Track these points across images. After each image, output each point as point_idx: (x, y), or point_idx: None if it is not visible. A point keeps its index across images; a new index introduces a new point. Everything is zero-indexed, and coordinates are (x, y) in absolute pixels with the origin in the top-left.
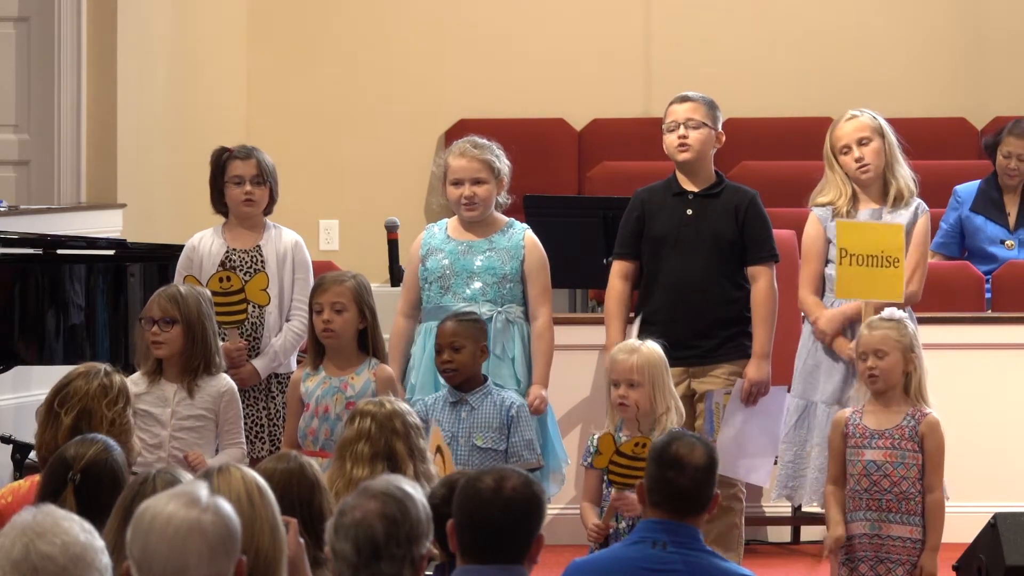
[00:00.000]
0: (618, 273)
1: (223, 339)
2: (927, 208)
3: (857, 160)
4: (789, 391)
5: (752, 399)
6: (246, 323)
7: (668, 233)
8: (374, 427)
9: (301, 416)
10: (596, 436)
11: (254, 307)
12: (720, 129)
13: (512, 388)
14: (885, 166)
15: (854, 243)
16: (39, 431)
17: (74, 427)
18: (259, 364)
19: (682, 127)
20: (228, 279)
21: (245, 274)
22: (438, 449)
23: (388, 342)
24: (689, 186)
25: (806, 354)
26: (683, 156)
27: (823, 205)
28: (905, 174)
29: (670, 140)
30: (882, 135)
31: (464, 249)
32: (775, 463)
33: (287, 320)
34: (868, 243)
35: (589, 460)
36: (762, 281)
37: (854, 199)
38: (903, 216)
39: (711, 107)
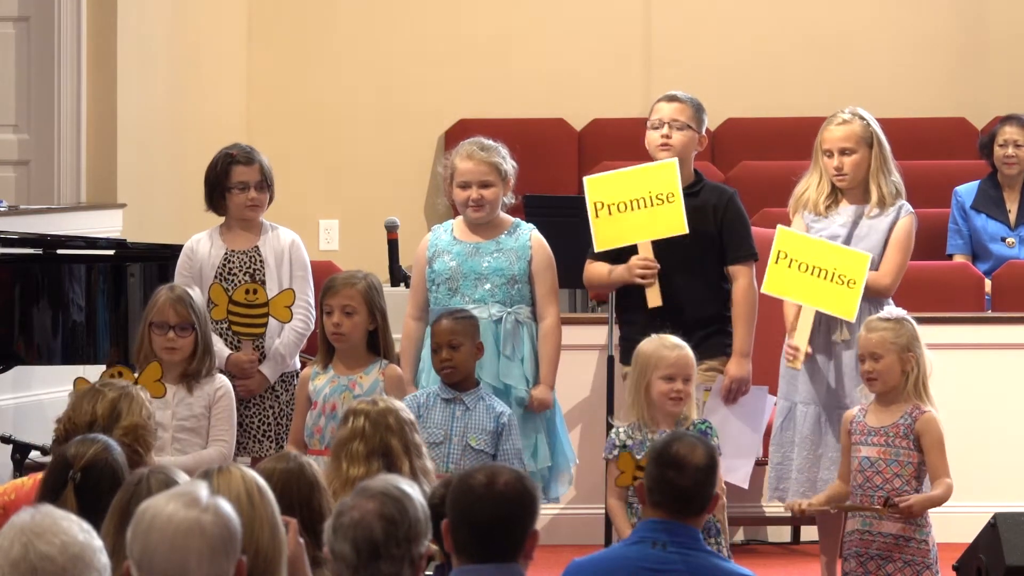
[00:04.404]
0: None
1: (236, 348)
2: (912, 209)
3: (836, 168)
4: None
5: (732, 397)
6: (264, 337)
7: None
8: (368, 425)
9: (308, 414)
10: (618, 428)
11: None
12: (704, 133)
13: (522, 388)
14: (868, 173)
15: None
16: (74, 403)
17: (115, 401)
18: (267, 370)
19: (666, 127)
20: (255, 292)
21: (245, 274)
22: None
23: (396, 344)
24: None
25: None
26: (663, 155)
27: (800, 196)
28: (892, 181)
29: (652, 138)
30: (869, 144)
31: (471, 251)
32: (765, 465)
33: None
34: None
35: (615, 453)
36: (742, 280)
37: (834, 196)
38: (884, 219)
39: (698, 109)
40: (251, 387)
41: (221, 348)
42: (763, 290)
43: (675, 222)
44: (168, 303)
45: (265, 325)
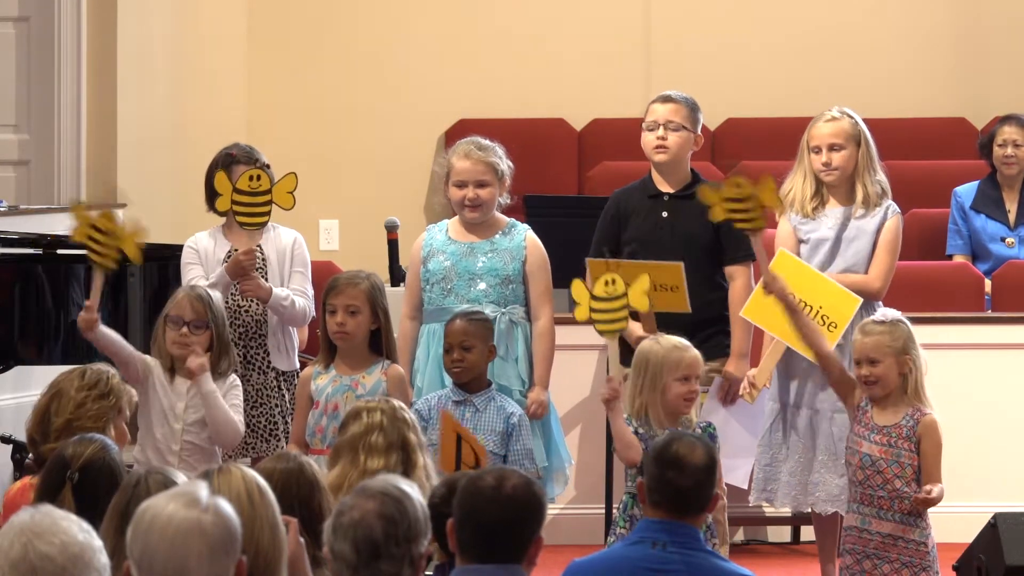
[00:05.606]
0: None
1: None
2: (898, 209)
3: (824, 164)
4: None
5: (731, 398)
6: (252, 318)
7: (644, 236)
8: (385, 419)
9: (310, 413)
10: (628, 416)
11: (262, 270)
12: (700, 132)
13: (516, 388)
14: (854, 171)
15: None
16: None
17: (45, 407)
18: (275, 288)
19: (661, 128)
20: (258, 178)
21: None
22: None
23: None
24: (664, 187)
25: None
26: (659, 157)
27: (785, 196)
28: (877, 180)
29: (648, 140)
30: (858, 143)
31: (466, 251)
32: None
33: None
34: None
35: (632, 427)
36: (740, 281)
37: (819, 197)
38: (872, 220)
39: (693, 109)
40: (254, 287)
41: (220, 272)
42: (741, 313)
43: (678, 303)
44: (187, 299)
45: (267, 214)
